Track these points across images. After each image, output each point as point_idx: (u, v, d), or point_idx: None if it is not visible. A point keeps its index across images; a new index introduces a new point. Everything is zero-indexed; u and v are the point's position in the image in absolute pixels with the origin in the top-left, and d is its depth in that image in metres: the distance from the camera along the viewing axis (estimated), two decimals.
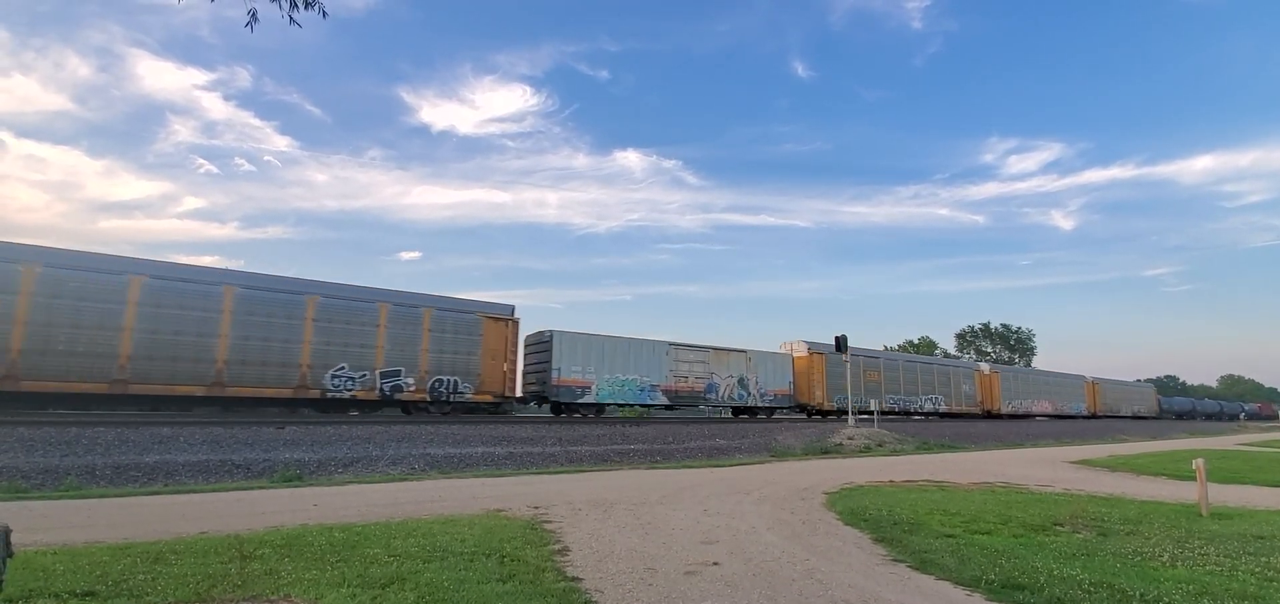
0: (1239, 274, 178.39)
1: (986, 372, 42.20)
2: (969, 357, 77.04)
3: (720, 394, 26.86)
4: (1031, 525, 8.10)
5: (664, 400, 25.04)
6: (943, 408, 37.12)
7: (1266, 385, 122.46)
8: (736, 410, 28.72)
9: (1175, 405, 71.02)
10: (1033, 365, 71.23)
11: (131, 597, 4.55)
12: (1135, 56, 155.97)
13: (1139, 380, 67.52)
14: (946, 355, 72.23)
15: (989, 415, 40.01)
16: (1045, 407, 45.32)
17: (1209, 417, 74.02)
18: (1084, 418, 48.43)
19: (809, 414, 30.89)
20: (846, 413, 28.67)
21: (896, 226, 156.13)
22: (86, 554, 5.58)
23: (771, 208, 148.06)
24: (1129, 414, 55.02)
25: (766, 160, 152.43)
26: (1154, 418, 58.71)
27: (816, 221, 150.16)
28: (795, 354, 30.99)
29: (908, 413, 35.10)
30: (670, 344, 25.62)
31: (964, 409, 38.53)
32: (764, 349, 29.49)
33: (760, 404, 28.47)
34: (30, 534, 5.98)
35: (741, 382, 27.72)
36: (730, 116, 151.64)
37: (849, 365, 28.79)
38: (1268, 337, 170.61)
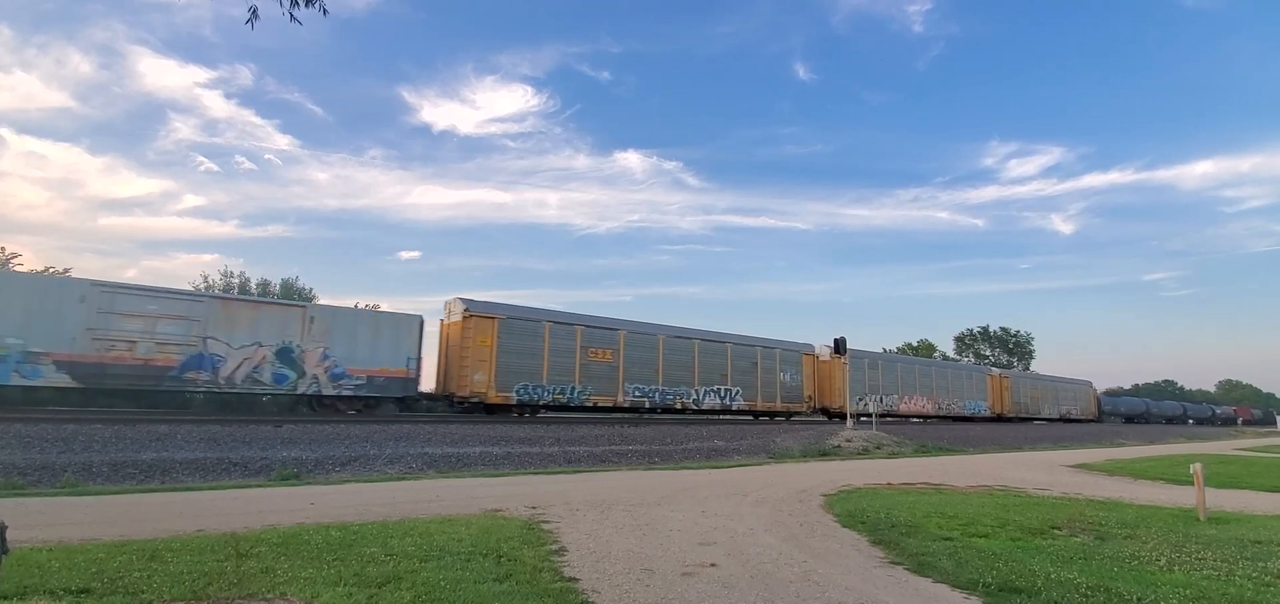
0: (1239, 279, 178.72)
1: (825, 358, 31.20)
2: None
3: (223, 371, 16.66)
4: (1029, 529, 8.11)
5: (65, 379, 14.94)
6: (738, 404, 27.19)
7: (1265, 390, 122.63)
8: (313, 401, 18.42)
9: (1121, 406, 61.54)
10: (1033, 368, 70.69)
11: (127, 594, 4.53)
12: (1136, 61, 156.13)
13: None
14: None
15: (826, 414, 31.12)
16: (919, 405, 36.08)
17: (1170, 420, 65.07)
18: (985, 420, 39.58)
19: (488, 411, 21.05)
20: (533, 408, 22.08)
21: (897, 229, 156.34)
22: (82, 551, 5.57)
23: (773, 210, 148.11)
24: (1055, 416, 46.64)
25: (768, 162, 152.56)
26: (1092, 421, 50.74)
27: (817, 224, 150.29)
28: (450, 319, 21.30)
29: (672, 410, 25.21)
30: (93, 284, 15.63)
31: (780, 406, 28.82)
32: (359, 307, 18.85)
33: (331, 391, 18.13)
34: (26, 531, 5.97)
35: (284, 353, 17.46)
36: (732, 118, 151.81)
37: (583, 339, 21.95)
38: (1268, 342, 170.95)
